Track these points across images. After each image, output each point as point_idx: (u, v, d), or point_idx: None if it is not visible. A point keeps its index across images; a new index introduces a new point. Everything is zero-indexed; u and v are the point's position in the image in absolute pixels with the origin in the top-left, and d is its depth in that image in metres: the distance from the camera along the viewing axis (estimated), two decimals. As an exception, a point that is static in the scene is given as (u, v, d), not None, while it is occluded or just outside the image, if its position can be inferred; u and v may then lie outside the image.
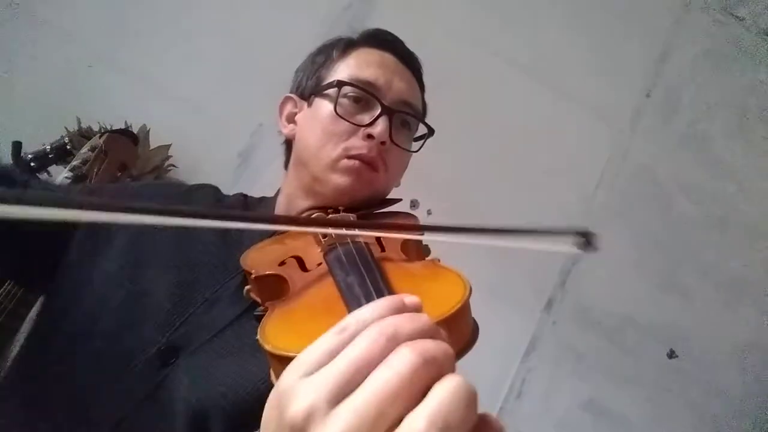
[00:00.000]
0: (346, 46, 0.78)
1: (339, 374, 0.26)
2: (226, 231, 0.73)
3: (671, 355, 1.42)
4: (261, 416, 0.53)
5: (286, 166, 0.84)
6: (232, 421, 0.52)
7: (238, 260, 0.62)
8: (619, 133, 1.50)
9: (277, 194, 0.80)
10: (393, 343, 0.27)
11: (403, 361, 0.26)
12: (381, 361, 0.27)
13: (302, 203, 0.73)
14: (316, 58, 0.80)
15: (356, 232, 0.53)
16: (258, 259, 0.59)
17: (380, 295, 0.41)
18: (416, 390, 0.25)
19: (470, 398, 0.25)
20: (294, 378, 0.27)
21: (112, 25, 1.34)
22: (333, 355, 0.27)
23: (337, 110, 0.70)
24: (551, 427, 1.35)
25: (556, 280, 1.42)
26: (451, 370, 0.27)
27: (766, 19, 1.56)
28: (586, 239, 0.41)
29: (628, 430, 1.36)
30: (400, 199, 0.74)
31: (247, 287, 0.57)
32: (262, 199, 0.82)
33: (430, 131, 0.80)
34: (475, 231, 0.46)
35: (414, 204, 0.71)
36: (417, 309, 0.31)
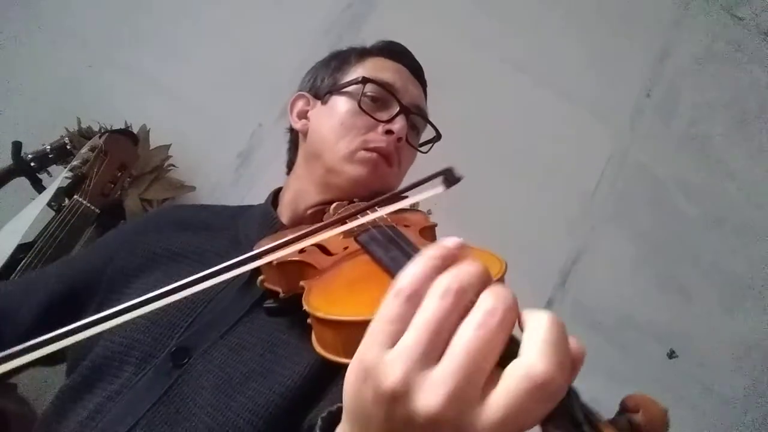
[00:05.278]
0: (361, 53, 0.82)
1: (422, 339, 0.27)
2: (237, 234, 0.74)
3: (671, 355, 1.42)
4: (290, 411, 0.53)
5: (289, 164, 0.85)
6: (259, 419, 0.51)
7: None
8: (619, 133, 1.50)
9: (270, 198, 0.81)
10: (461, 295, 0.27)
11: (489, 313, 0.27)
12: (456, 315, 0.27)
13: (313, 198, 0.74)
14: (331, 62, 0.84)
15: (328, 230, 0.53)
16: None
17: None
18: (506, 335, 0.27)
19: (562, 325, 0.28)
20: (376, 351, 0.28)
21: (112, 25, 1.34)
22: (404, 320, 0.28)
23: (361, 105, 0.73)
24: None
25: (556, 280, 1.42)
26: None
27: (766, 19, 1.56)
28: (447, 176, 0.43)
29: None
30: (406, 196, 0.75)
31: (260, 278, 0.57)
32: (248, 207, 0.83)
33: (438, 135, 0.84)
34: (369, 207, 0.49)
35: (414, 204, 0.71)
36: (460, 248, 0.31)
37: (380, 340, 0.28)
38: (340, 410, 0.34)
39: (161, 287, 0.65)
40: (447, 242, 0.31)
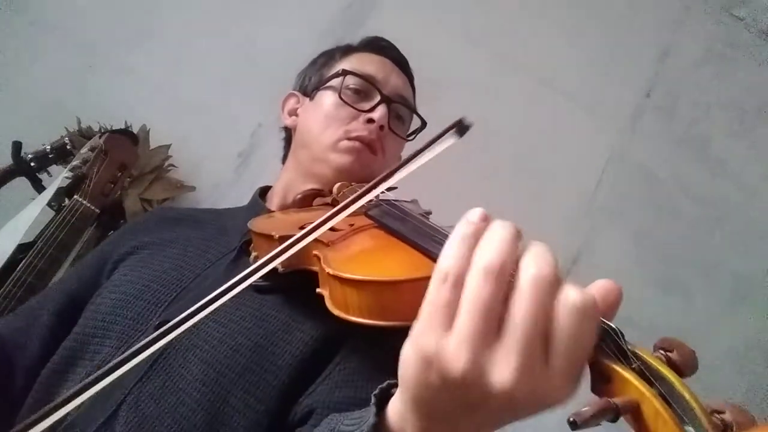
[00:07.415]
0: (346, 49, 0.85)
1: (479, 320, 0.28)
2: (224, 223, 0.76)
3: (671, 355, 1.42)
4: (282, 390, 0.53)
5: (284, 160, 0.88)
6: (251, 396, 0.52)
7: (230, 242, 0.65)
8: (619, 133, 1.50)
9: (257, 192, 0.84)
10: (503, 271, 0.28)
11: (529, 294, 0.28)
12: (503, 290, 0.28)
13: (301, 186, 0.77)
14: (318, 60, 0.87)
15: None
16: (274, 224, 0.58)
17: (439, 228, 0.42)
18: (554, 299, 0.28)
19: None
20: (435, 337, 0.29)
21: (113, 26, 1.34)
22: (455, 303, 0.29)
23: (342, 96, 0.75)
24: (552, 428, 1.35)
25: (556, 280, 1.41)
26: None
27: (766, 19, 1.56)
28: (460, 126, 0.43)
29: (629, 430, 1.36)
30: (396, 187, 0.76)
31: (254, 255, 0.57)
32: (228, 210, 0.86)
33: (423, 124, 0.87)
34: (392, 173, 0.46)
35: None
36: (486, 218, 0.32)
37: (436, 325, 0.29)
38: (390, 386, 0.35)
39: (148, 263, 0.66)
40: (472, 217, 0.32)
